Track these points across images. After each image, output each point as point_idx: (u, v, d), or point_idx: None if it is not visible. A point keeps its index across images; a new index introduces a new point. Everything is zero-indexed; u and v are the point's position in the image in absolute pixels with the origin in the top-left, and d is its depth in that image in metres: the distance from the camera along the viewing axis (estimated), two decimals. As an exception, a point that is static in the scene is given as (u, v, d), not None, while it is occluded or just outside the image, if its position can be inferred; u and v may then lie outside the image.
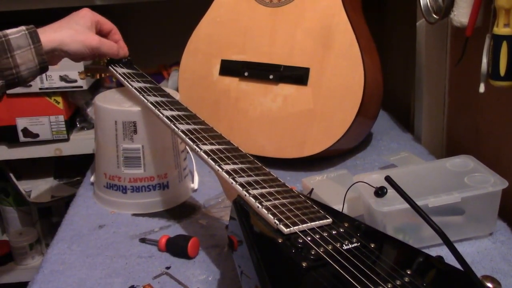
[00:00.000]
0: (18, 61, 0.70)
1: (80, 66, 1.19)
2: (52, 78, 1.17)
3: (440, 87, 0.98)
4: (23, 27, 0.72)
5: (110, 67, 0.86)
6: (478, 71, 0.71)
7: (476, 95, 0.72)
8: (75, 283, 0.65)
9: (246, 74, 0.94)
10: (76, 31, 0.76)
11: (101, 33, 0.82)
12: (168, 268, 0.66)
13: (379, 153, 0.97)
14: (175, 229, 0.75)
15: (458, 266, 0.48)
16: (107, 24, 0.83)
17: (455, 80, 0.94)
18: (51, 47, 0.73)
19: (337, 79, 0.88)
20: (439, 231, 0.49)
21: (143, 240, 0.72)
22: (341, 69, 0.88)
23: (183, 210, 0.81)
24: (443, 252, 0.50)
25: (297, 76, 0.90)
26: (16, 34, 0.71)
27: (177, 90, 1.01)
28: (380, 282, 0.45)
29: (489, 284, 0.45)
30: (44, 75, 1.23)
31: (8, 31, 0.71)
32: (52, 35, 0.73)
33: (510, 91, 0.69)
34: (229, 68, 0.96)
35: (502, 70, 0.66)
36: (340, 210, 0.69)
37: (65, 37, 0.74)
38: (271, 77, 0.92)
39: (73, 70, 1.22)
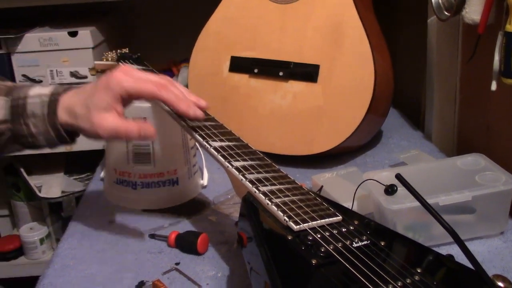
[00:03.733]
0: (33, 130, 0.62)
1: (91, 62, 1.20)
2: (63, 74, 1.17)
3: (451, 84, 0.97)
4: (47, 91, 0.63)
5: (120, 63, 0.86)
6: (490, 68, 0.70)
7: (488, 93, 0.72)
8: (85, 278, 0.65)
9: (256, 71, 0.94)
10: (92, 124, 0.61)
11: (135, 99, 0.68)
12: (177, 264, 0.67)
13: (389, 150, 0.97)
14: (185, 225, 0.76)
15: (468, 265, 0.48)
16: (143, 93, 0.63)
17: (467, 77, 0.94)
18: (70, 129, 0.64)
19: (347, 76, 0.88)
20: (450, 229, 0.49)
21: (152, 236, 0.73)
22: (351, 67, 0.88)
23: (192, 207, 0.81)
24: (453, 250, 0.50)
25: (307, 73, 0.90)
26: (35, 99, 0.63)
27: (186, 86, 1.02)
28: (390, 280, 0.45)
29: (500, 284, 0.45)
30: (54, 70, 1.24)
31: (32, 91, 0.63)
32: (68, 120, 0.62)
33: (523, 89, 0.68)
34: (239, 65, 0.96)
35: (515, 68, 0.66)
36: (350, 208, 0.68)
37: (82, 128, 0.62)
38: (281, 74, 0.92)
39: (83, 67, 1.22)
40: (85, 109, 0.61)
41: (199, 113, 0.65)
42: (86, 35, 1.25)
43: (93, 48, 1.26)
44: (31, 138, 0.63)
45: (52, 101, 0.62)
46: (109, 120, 0.61)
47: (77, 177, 1.41)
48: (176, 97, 0.63)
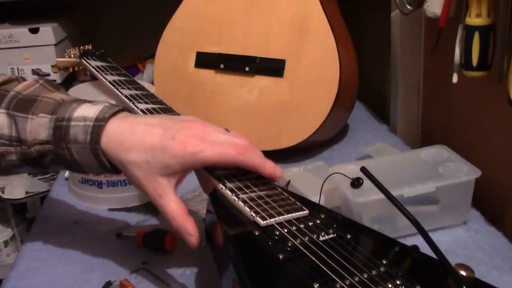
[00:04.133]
0: (75, 157, 0.56)
1: (53, 59, 1.17)
2: (24, 71, 1.15)
3: (415, 78, 0.99)
4: (92, 114, 0.55)
5: (83, 60, 0.85)
6: (451, 61, 0.72)
7: (450, 85, 0.73)
8: (50, 279, 0.64)
9: (221, 66, 0.94)
10: (142, 187, 0.55)
11: None
12: (145, 263, 0.66)
13: (355, 144, 0.98)
14: (152, 224, 0.75)
15: (433, 255, 0.49)
16: (224, 164, 0.56)
17: (429, 71, 0.95)
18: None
19: (313, 71, 0.88)
20: (413, 220, 0.50)
21: (119, 235, 0.71)
22: (317, 60, 0.88)
23: (160, 204, 0.80)
24: (418, 241, 0.51)
25: (273, 68, 0.90)
26: (79, 122, 0.55)
27: (152, 83, 1.00)
28: (356, 272, 0.45)
29: (462, 272, 0.45)
30: (15, 68, 1.21)
31: (77, 112, 0.56)
32: (112, 158, 0.55)
33: (483, 81, 0.70)
34: (205, 61, 0.95)
35: (475, 60, 0.67)
36: (317, 202, 0.69)
37: (126, 176, 0.56)
38: (247, 69, 0.91)
39: (45, 64, 1.20)
40: (144, 164, 0.53)
41: (281, 171, 0.58)
42: (48, 32, 1.22)
43: (55, 45, 1.23)
44: (74, 163, 0.57)
45: (96, 128, 0.55)
46: (166, 198, 0.54)
47: (42, 177, 1.38)
48: (261, 158, 0.56)
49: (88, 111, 0.56)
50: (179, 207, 0.55)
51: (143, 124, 0.55)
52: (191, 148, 0.53)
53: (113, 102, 0.76)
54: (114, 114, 0.56)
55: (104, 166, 0.56)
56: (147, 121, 0.56)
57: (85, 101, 0.59)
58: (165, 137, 0.53)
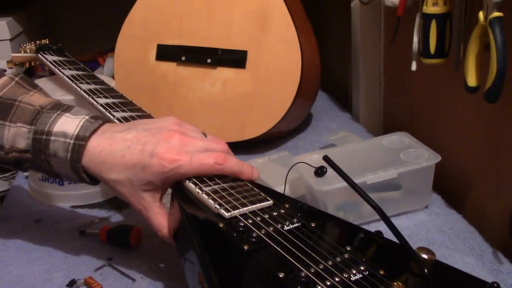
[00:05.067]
0: (55, 169, 0.57)
1: (8, 54, 1.13)
2: (-21, 68, 1.11)
3: (376, 66, 1.00)
4: (73, 130, 0.56)
5: (39, 54, 0.82)
6: (410, 50, 0.73)
7: (410, 73, 0.74)
8: (12, 281, 0.62)
9: (183, 58, 0.93)
10: (127, 200, 0.57)
11: None
12: (110, 259, 0.65)
13: (319, 133, 0.99)
14: (116, 219, 0.74)
15: (396, 240, 0.49)
16: (203, 174, 0.56)
17: (390, 59, 0.97)
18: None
19: (275, 61, 0.88)
20: (376, 207, 0.50)
21: (83, 232, 0.70)
22: (279, 51, 0.88)
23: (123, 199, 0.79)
24: (382, 227, 0.52)
25: (235, 59, 0.90)
26: (59, 137, 0.56)
27: (112, 77, 0.99)
28: (321, 260, 0.45)
29: (424, 255, 0.46)
30: (-31, 65, 1.17)
31: (57, 126, 0.56)
32: (96, 175, 0.57)
33: (441, 68, 0.71)
34: (166, 53, 0.94)
35: (432, 48, 0.68)
36: (282, 192, 0.69)
37: (113, 191, 0.58)
38: (209, 61, 0.91)
39: (0, 59, 1.16)
40: (127, 181, 0.55)
41: (258, 173, 0.59)
42: (3, 26, 1.19)
43: (10, 39, 1.20)
44: (52, 173, 0.58)
45: (77, 146, 0.55)
46: (151, 211, 0.56)
47: (1, 176, 1.34)
48: (238, 164, 0.57)
49: (68, 126, 0.56)
50: (164, 218, 0.57)
51: (121, 141, 0.56)
52: (169, 164, 0.54)
53: (71, 97, 0.75)
54: (95, 130, 0.57)
55: (83, 180, 0.58)
56: (124, 136, 0.56)
57: (64, 111, 0.58)
58: (144, 155, 0.54)
